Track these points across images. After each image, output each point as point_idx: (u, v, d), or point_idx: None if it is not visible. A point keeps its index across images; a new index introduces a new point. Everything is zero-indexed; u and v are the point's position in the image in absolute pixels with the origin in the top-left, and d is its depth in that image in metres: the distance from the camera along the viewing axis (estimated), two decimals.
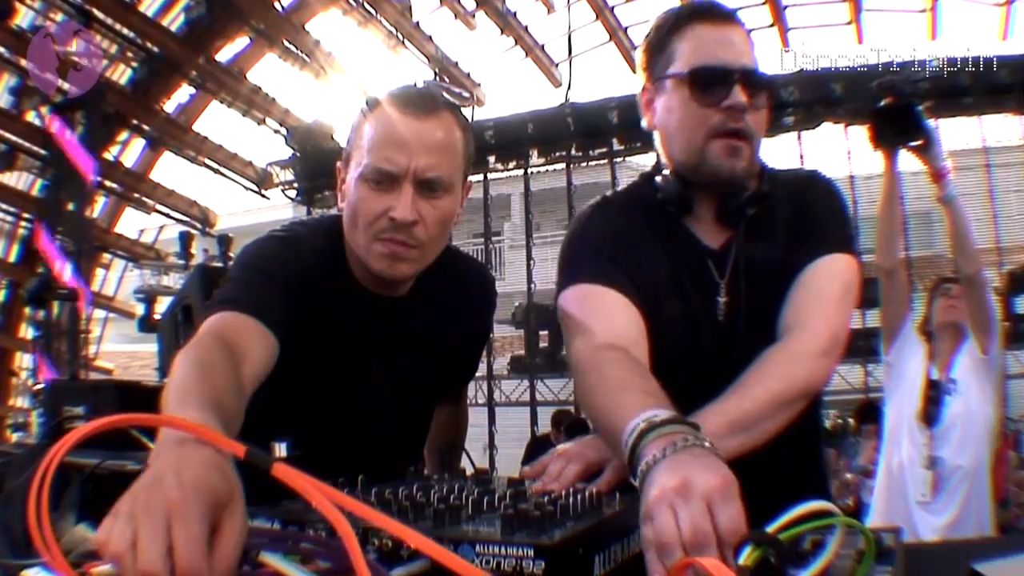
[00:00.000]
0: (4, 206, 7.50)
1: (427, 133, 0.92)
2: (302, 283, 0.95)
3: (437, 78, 7.86)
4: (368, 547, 0.58)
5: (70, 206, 6.91)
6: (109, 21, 6.93)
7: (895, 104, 1.98)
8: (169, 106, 8.08)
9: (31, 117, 7.18)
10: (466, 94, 1.09)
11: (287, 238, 1.00)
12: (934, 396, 2.12)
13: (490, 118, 7.36)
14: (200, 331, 0.85)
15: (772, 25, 7.86)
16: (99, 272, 8.19)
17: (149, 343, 6.25)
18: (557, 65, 8.86)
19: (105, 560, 0.46)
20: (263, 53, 8.13)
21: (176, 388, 0.69)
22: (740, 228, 0.97)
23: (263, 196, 8.79)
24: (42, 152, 7.16)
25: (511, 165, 7.47)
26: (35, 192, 7.61)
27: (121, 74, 7.69)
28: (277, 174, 8.30)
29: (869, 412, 4.03)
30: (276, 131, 8.18)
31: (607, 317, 0.91)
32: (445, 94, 0.99)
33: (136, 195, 8.20)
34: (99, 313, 8.07)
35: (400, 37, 8.28)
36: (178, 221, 8.36)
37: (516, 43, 8.68)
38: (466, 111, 1.05)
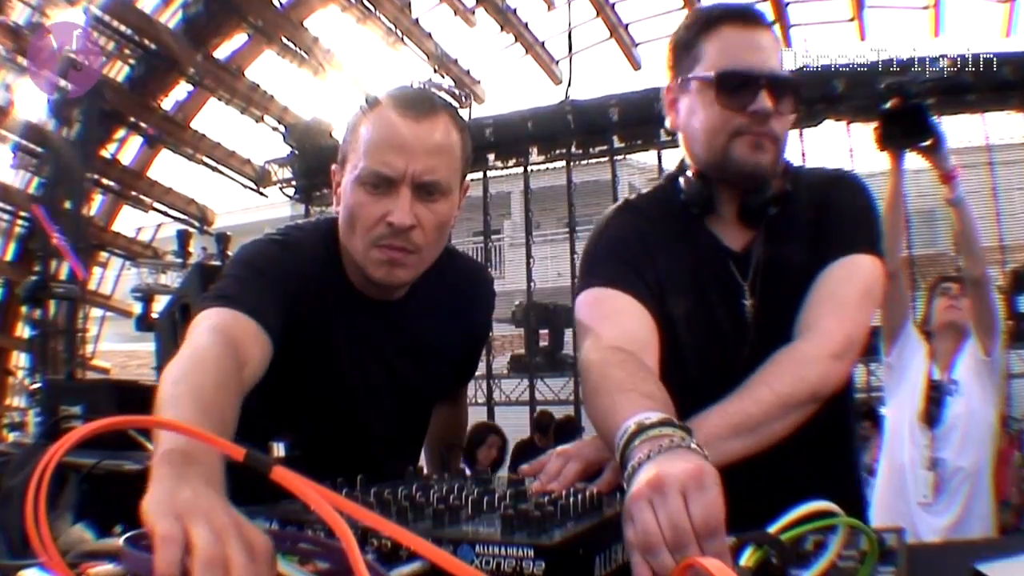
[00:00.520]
0: (1, 204, 7.48)
1: (425, 136, 0.92)
2: (299, 287, 0.95)
3: (436, 76, 7.86)
4: (367, 548, 0.58)
5: (67, 204, 6.89)
6: (106, 18, 6.91)
7: (903, 105, 1.96)
8: (167, 103, 8.06)
9: None
10: (464, 94, 1.09)
11: (284, 242, 1.00)
12: (936, 397, 2.12)
13: (490, 115, 7.33)
14: (199, 326, 0.84)
15: (774, 22, 7.85)
16: (96, 270, 8.17)
17: (146, 342, 6.21)
18: (557, 62, 8.84)
19: None
20: (261, 50, 8.10)
21: (176, 386, 0.68)
22: (761, 228, 0.96)
23: (261, 194, 8.77)
24: (38, 150, 7.14)
25: (511, 163, 7.44)
26: (31, 190, 7.59)
27: (118, 71, 7.66)
28: (275, 172, 8.28)
29: (867, 412, 4.03)
30: (274, 128, 8.16)
31: (617, 320, 0.90)
32: (442, 94, 0.98)
33: (133, 193, 8.17)
34: (96, 312, 8.04)
35: (399, 34, 8.25)
36: (176, 219, 8.34)
37: (516, 40, 8.66)
38: (464, 111, 1.04)
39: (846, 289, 0.91)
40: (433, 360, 1.08)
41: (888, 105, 1.97)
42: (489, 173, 7.40)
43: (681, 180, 1.00)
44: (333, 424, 1.01)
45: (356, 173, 0.92)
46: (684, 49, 0.97)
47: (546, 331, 7.84)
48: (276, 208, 10.27)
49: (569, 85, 7.70)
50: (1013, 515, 2.90)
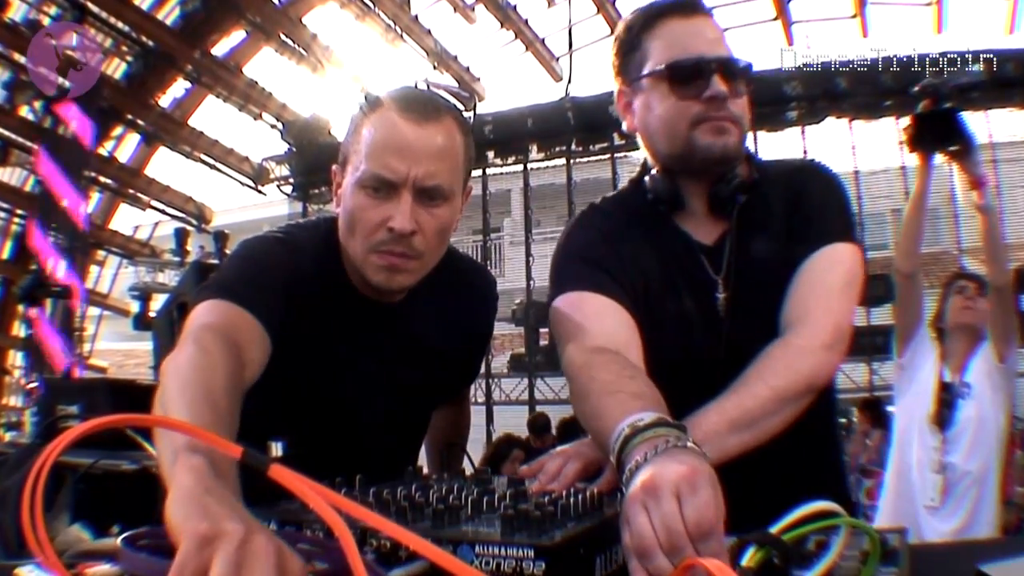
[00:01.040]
0: None
1: (427, 139, 0.90)
2: (299, 287, 0.94)
3: (437, 74, 7.83)
4: (366, 548, 0.57)
5: (64, 202, 6.88)
6: (104, 15, 6.89)
7: (937, 108, 1.94)
8: (164, 101, 8.06)
9: (24, 112, 7.13)
10: (468, 96, 1.07)
11: (285, 240, 0.98)
12: (947, 399, 2.08)
13: (489, 112, 7.34)
14: (198, 320, 0.83)
15: (776, 18, 7.84)
16: (93, 269, 8.16)
17: (144, 341, 6.22)
18: (557, 59, 8.84)
19: None
20: (260, 47, 8.09)
21: (175, 385, 0.68)
22: (733, 220, 0.95)
23: (259, 192, 8.77)
24: (36, 148, 7.13)
25: (510, 160, 7.45)
26: (28, 188, 7.58)
27: (116, 68, 7.65)
28: (273, 169, 8.28)
29: (870, 410, 4.03)
30: (272, 126, 8.15)
31: (596, 321, 0.89)
32: (446, 95, 0.97)
33: (131, 191, 8.16)
34: (93, 311, 8.04)
35: (399, 30, 8.24)
36: (173, 217, 8.33)
37: (516, 37, 8.66)
38: (468, 113, 1.03)
39: (830, 279, 0.91)
40: (434, 362, 1.07)
41: (920, 107, 1.95)
42: (489, 171, 7.40)
43: (647, 179, 0.99)
44: (331, 425, 1.01)
45: (357, 176, 0.91)
46: (629, 50, 0.97)
47: (546, 330, 7.83)
48: (274, 206, 10.26)
49: (569, 82, 7.71)
50: (1016, 514, 2.89)
